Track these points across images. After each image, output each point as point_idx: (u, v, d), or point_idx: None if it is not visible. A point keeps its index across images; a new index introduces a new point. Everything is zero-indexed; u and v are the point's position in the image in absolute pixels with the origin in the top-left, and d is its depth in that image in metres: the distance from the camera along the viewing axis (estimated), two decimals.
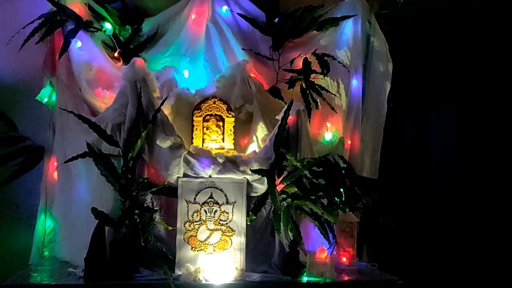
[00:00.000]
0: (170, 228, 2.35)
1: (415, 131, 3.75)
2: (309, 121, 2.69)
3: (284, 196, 2.41)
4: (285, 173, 2.43)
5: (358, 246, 2.70)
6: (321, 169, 2.41)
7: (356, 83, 2.99)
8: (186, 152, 2.42)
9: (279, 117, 2.50)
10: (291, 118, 2.49)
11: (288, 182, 2.40)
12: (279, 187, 2.43)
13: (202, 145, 2.61)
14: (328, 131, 2.89)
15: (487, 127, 3.63)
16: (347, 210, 2.51)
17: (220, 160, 2.41)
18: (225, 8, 2.96)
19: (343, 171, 2.53)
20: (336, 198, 2.37)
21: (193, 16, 2.96)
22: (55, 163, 2.74)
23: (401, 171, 3.50)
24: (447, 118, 3.75)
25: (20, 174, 2.77)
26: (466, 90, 3.68)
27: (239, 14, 2.94)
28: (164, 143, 2.39)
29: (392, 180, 3.23)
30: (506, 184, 3.53)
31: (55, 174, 2.74)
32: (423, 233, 3.48)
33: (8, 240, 2.88)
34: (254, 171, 2.38)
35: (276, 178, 2.42)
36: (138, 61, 2.54)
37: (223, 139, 2.64)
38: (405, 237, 3.31)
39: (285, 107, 2.48)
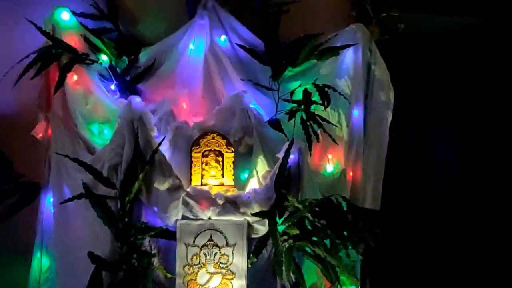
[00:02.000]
0: (169, 275, 2.29)
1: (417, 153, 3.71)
2: (310, 154, 2.64)
3: (285, 237, 2.36)
4: (287, 213, 2.37)
5: (362, 281, 2.64)
6: (321, 209, 2.35)
7: (357, 113, 2.94)
8: (185, 193, 2.37)
9: (279, 155, 2.44)
10: (292, 157, 2.44)
11: (290, 223, 2.34)
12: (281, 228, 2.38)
13: (201, 182, 2.57)
14: (330, 163, 2.84)
15: (491, 148, 3.59)
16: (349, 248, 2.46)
17: (220, 202, 2.36)
18: (223, 37, 2.92)
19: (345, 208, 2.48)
20: (338, 241, 2.31)
21: (191, 46, 2.92)
22: (51, 199, 2.69)
23: (403, 195, 3.46)
24: (450, 140, 3.72)
25: (16, 211, 2.74)
26: (469, 112, 3.65)
27: (238, 44, 2.89)
28: (162, 185, 2.35)
29: (394, 206, 3.19)
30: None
31: (51, 210, 2.69)
32: (426, 261, 3.43)
33: (4, 277, 2.83)
34: (255, 214, 2.33)
35: (278, 219, 2.36)
36: (135, 99, 2.49)
37: (222, 175, 2.60)
38: (408, 265, 3.27)
39: (286, 146, 2.43)
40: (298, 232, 2.32)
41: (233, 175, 2.61)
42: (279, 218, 2.37)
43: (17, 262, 2.83)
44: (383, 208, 2.93)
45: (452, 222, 3.56)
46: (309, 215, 2.30)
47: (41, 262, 2.70)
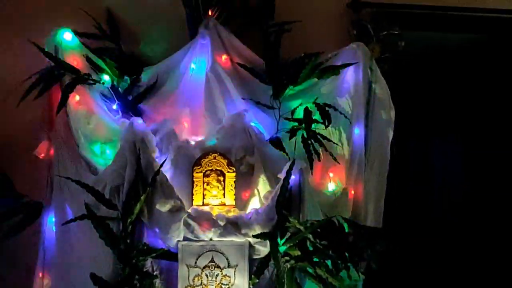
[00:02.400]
0: None
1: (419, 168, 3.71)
2: (311, 172, 2.64)
3: (287, 258, 2.36)
4: (288, 234, 2.37)
5: None
6: (322, 230, 2.35)
7: (358, 131, 2.94)
8: (186, 215, 2.37)
9: (281, 175, 2.45)
10: (293, 177, 2.44)
11: (291, 244, 2.34)
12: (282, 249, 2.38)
13: (203, 201, 2.57)
14: (331, 182, 2.84)
15: (493, 165, 3.59)
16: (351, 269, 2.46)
17: (221, 223, 2.36)
18: (224, 57, 2.93)
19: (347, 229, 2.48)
20: (339, 261, 2.31)
21: (192, 65, 2.93)
22: (53, 219, 2.69)
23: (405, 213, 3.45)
24: (452, 157, 3.72)
25: (18, 232, 2.71)
26: (470, 129, 3.65)
27: (239, 63, 2.90)
28: (163, 207, 2.35)
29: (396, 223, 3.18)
30: None
31: (53, 230, 2.69)
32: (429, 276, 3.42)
33: None
34: (257, 236, 2.33)
35: (279, 240, 2.36)
36: (136, 121, 2.50)
37: (224, 195, 2.60)
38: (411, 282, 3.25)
39: (287, 166, 2.44)
40: (299, 253, 2.32)
41: (234, 194, 2.62)
42: (281, 239, 2.37)
43: (19, 282, 2.83)
44: (385, 226, 2.94)
45: (455, 236, 3.54)
46: (310, 236, 2.30)
47: (43, 282, 2.69)
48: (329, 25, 3.14)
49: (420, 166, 3.75)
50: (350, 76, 2.95)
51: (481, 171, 3.64)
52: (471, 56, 3.55)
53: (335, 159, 2.76)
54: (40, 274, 2.72)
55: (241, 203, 2.66)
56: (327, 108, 2.78)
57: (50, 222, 2.74)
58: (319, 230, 2.36)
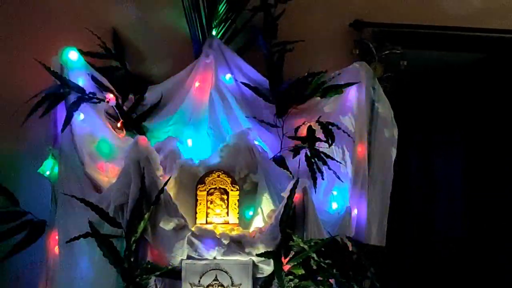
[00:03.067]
0: None
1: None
2: (315, 191, 2.65)
3: (291, 277, 2.35)
4: (292, 253, 2.37)
5: None
6: (326, 250, 2.35)
7: (361, 149, 2.96)
8: (190, 233, 2.38)
9: (284, 194, 2.45)
10: (297, 196, 2.45)
11: (295, 263, 2.34)
12: (286, 267, 2.37)
13: (206, 220, 2.58)
14: (334, 200, 2.84)
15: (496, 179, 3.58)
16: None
17: (225, 242, 2.36)
18: (228, 76, 2.96)
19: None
20: (343, 280, 2.31)
21: (196, 84, 2.96)
22: (57, 237, 2.69)
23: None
24: (455, 171, 3.72)
25: (21, 249, 2.71)
26: (473, 145, 3.66)
27: (243, 83, 2.93)
28: (167, 225, 2.36)
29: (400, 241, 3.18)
30: None
31: (56, 248, 2.69)
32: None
33: None
34: (261, 255, 2.33)
35: (283, 258, 2.36)
36: (141, 139, 2.52)
37: (227, 213, 2.61)
38: None
39: (291, 185, 2.44)
40: (303, 271, 2.31)
41: (238, 213, 2.62)
42: (285, 258, 2.37)
43: None
44: (388, 244, 2.94)
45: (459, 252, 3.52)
46: (314, 255, 2.30)
47: None
48: (331, 45, 3.17)
49: (422, 181, 3.74)
50: (353, 95, 2.97)
51: (484, 186, 3.63)
52: (473, 75, 3.57)
53: (338, 177, 2.77)
54: None
55: (244, 222, 2.66)
56: (330, 127, 2.79)
57: (53, 240, 2.73)
58: (323, 249, 2.35)
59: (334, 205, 2.83)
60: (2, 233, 2.69)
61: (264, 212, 2.64)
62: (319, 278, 2.33)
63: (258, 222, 2.63)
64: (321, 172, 2.72)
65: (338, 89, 2.95)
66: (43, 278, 2.73)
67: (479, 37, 3.31)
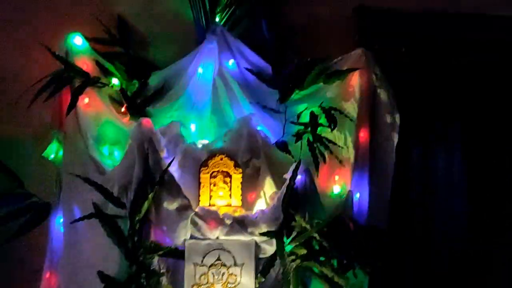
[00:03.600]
0: None
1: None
2: (317, 175, 2.68)
3: (293, 257, 2.38)
4: (294, 233, 2.40)
5: None
6: (328, 230, 2.38)
7: (363, 134, 2.98)
8: (193, 213, 2.41)
9: (287, 176, 2.48)
10: (299, 178, 2.47)
11: (297, 243, 2.37)
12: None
13: (209, 202, 2.60)
14: (337, 184, 2.86)
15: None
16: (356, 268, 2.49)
17: (228, 222, 2.40)
18: (231, 61, 2.98)
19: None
20: (345, 261, 2.34)
21: (200, 70, 2.98)
22: (61, 220, 2.72)
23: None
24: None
25: (26, 231, 2.75)
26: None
27: (246, 68, 2.95)
28: (171, 205, 2.39)
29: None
30: None
31: (61, 230, 2.72)
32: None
33: None
34: (263, 234, 2.36)
35: (285, 239, 2.39)
36: (144, 121, 2.55)
37: (230, 196, 2.63)
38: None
39: (293, 167, 2.47)
40: (305, 252, 2.34)
41: (240, 196, 2.64)
42: (287, 238, 2.40)
43: (26, 282, 2.85)
44: (391, 227, 2.96)
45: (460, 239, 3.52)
46: (316, 235, 2.33)
47: (50, 283, 2.72)
48: (335, 31, 3.19)
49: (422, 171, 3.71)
50: (355, 81, 2.99)
51: (485, 180, 3.62)
52: (477, 62, 3.53)
53: (340, 161, 2.79)
54: (48, 275, 2.74)
55: (247, 205, 2.69)
56: (332, 112, 2.82)
57: (58, 223, 2.77)
58: (325, 229, 2.38)
59: (336, 189, 2.85)
60: (8, 214, 2.72)
61: (267, 196, 2.68)
62: (321, 258, 2.34)
63: (260, 205, 2.66)
64: (323, 157, 2.75)
65: (340, 75, 2.97)
66: (48, 260, 2.76)
67: (487, 21, 3.30)
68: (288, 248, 2.42)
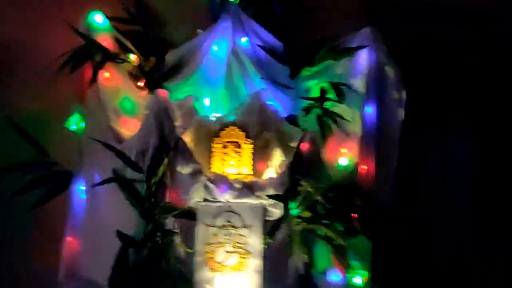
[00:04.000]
0: (189, 250, 2.47)
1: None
2: (325, 147, 2.80)
3: (298, 220, 2.51)
4: (300, 198, 2.53)
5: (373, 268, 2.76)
6: (333, 194, 2.50)
7: (370, 110, 3.08)
8: (206, 178, 2.54)
9: (294, 144, 2.60)
10: (306, 145, 2.60)
11: (303, 207, 2.50)
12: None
13: (221, 171, 2.74)
14: (343, 157, 2.98)
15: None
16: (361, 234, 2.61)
17: (237, 186, 2.53)
18: (244, 39, 3.10)
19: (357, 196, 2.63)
20: (348, 224, 2.46)
21: (214, 47, 3.10)
22: (82, 187, 2.88)
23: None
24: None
25: (50, 198, 2.89)
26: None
27: (258, 45, 3.07)
28: (184, 169, 2.53)
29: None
30: None
31: (83, 197, 2.88)
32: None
33: (36, 261, 3.00)
34: (270, 197, 2.49)
35: (291, 203, 2.52)
36: (160, 92, 2.69)
37: (241, 165, 2.76)
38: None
39: (300, 135, 2.59)
40: (310, 215, 2.47)
41: (251, 165, 2.78)
42: (293, 202, 2.52)
43: (49, 246, 2.99)
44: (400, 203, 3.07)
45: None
46: (320, 198, 2.45)
47: (72, 245, 2.87)
48: (344, 11, 3.28)
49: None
50: (363, 58, 3.10)
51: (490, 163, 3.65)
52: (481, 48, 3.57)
53: (347, 135, 2.91)
54: (69, 239, 2.89)
55: (257, 174, 2.82)
56: (340, 87, 2.93)
57: (79, 190, 2.92)
58: (330, 194, 2.50)
59: (343, 162, 2.96)
60: (32, 182, 2.88)
61: (276, 166, 2.79)
62: (325, 221, 2.47)
63: (270, 174, 2.78)
64: (331, 130, 2.86)
65: (349, 52, 3.09)
66: (69, 226, 2.91)
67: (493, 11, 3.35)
68: (294, 212, 2.55)
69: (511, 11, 3.41)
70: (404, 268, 3.07)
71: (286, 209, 2.49)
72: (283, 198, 2.50)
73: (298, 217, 2.53)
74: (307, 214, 2.51)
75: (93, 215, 2.77)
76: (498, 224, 3.49)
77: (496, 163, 3.59)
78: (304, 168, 2.60)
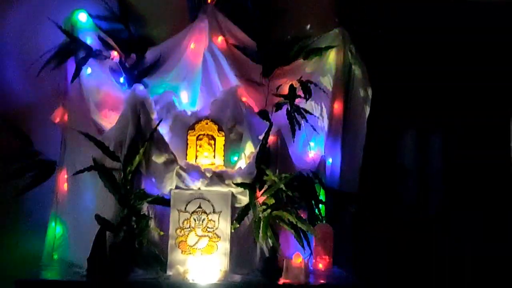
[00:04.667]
0: (162, 233, 2.66)
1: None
2: (293, 141, 2.99)
3: (264, 207, 2.71)
4: (266, 186, 2.73)
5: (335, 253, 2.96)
6: (297, 183, 2.70)
7: (337, 106, 3.28)
8: (178, 167, 2.74)
9: (261, 137, 2.80)
10: (272, 138, 2.79)
11: (268, 195, 2.70)
12: (260, 199, 2.73)
13: (195, 162, 2.93)
14: (311, 150, 3.18)
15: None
16: (324, 221, 2.82)
17: (208, 175, 2.72)
18: (220, 38, 3.28)
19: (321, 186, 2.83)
20: (316, 211, 2.66)
21: (192, 46, 3.27)
22: (65, 176, 3.04)
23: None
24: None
25: (34, 186, 3.04)
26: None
27: (233, 44, 3.26)
28: (159, 159, 2.72)
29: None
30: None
31: (65, 185, 3.04)
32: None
33: (21, 245, 3.15)
34: (238, 185, 2.69)
35: (258, 191, 2.72)
36: (138, 87, 2.87)
37: (214, 156, 2.96)
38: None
39: (267, 129, 2.79)
40: (274, 202, 2.67)
41: (223, 156, 2.97)
42: (259, 190, 2.72)
43: (33, 231, 3.14)
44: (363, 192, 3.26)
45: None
46: (283, 186, 2.65)
47: (55, 230, 3.03)
48: (315, 12, 3.46)
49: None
50: (332, 57, 3.29)
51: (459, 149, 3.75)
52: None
53: (315, 130, 3.10)
54: (53, 224, 3.06)
55: (229, 165, 3.01)
56: (308, 84, 3.13)
57: (62, 179, 3.09)
58: (295, 183, 2.70)
59: (311, 154, 3.16)
60: (17, 170, 3.04)
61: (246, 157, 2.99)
62: (288, 208, 2.67)
63: (241, 165, 2.97)
64: (299, 125, 3.06)
65: (319, 51, 3.27)
66: (53, 211, 3.08)
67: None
68: (261, 199, 2.74)
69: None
70: (368, 253, 3.24)
71: (253, 196, 2.68)
72: (250, 186, 2.69)
73: (264, 204, 2.71)
74: (272, 201, 2.69)
75: (75, 202, 2.94)
76: (465, 206, 3.62)
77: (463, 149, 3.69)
78: (270, 159, 2.77)
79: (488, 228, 3.57)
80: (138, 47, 3.30)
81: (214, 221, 2.72)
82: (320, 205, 2.89)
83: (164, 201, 2.72)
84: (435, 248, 3.51)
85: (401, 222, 3.49)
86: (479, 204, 3.59)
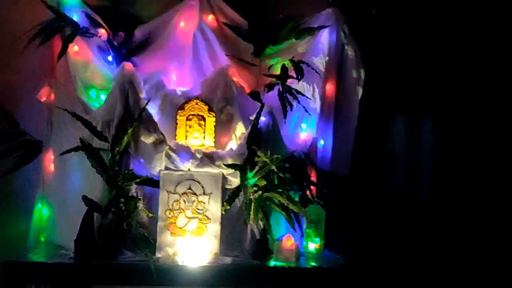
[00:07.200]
0: (151, 215, 2.62)
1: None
2: (285, 122, 2.95)
3: (255, 188, 2.67)
4: (257, 168, 2.68)
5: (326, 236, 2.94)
6: (287, 165, 2.66)
7: (330, 87, 3.24)
8: (168, 147, 2.68)
9: (252, 117, 2.75)
10: (263, 119, 2.74)
11: (259, 176, 2.66)
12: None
13: (185, 142, 2.87)
14: (303, 132, 3.14)
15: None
16: (316, 203, 2.79)
17: (198, 155, 2.67)
18: (211, 16, 3.22)
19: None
20: (307, 194, 2.62)
21: (182, 24, 3.21)
22: (52, 156, 2.98)
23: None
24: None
25: (20, 166, 2.98)
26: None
27: (224, 23, 3.19)
28: (148, 139, 2.66)
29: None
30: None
31: (52, 166, 2.99)
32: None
33: (8, 227, 3.09)
34: (228, 166, 2.64)
35: (248, 172, 2.67)
36: (126, 65, 2.80)
37: (204, 137, 2.91)
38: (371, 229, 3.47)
39: (258, 109, 2.74)
40: (266, 183, 2.63)
41: (214, 137, 2.92)
42: (250, 172, 2.68)
43: (20, 213, 3.09)
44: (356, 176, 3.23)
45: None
46: (274, 167, 2.61)
47: (42, 212, 2.99)
48: None
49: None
50: (325, 38, 3.24)
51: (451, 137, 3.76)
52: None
53: (306, 110, 3.06)
54: (40, 205, 3.01)
55: (220, 146, 2.97)
56: (301, 65, 3.07)
57: (48, 159, 3.03)
58: (287, 165, 2.66)
59: (303, 136, 3.12)
60: (3, 150, 2.97)
61: (237, 138, 2.94)
62: (279, 190, 2.63)
63: (232, 146, 2.93)
64: (291, 105, 3.01)
65: (311, 31, 3.22)
66: (40, 194, 3.03)
67: None
68: (251, 181, 2.70)
69: None
70: (359, 236, 3.23)
71: (243, 177, 2.64)
72: (241, 167, 2.65)
73: (255, 185, 2.67)
74: (263, 182, 2.65)
75: (62, 182, 2.88)
76: (454, 193, 3.63)
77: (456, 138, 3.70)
78: (261, 139, 2.73)
79: (480, 216, 3.56)
80: (127, 25, 3.23)
81: (204, 203, 2.68)
82: (312, 187, 2.84)
83: (153, 182, 2.67)
84: (426, 232, 3.50)
85: (392, 209, 3.47)
86: (470, 193, 3.59)
